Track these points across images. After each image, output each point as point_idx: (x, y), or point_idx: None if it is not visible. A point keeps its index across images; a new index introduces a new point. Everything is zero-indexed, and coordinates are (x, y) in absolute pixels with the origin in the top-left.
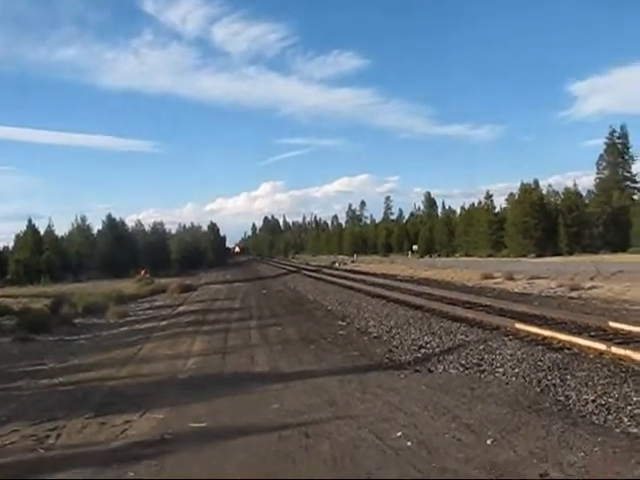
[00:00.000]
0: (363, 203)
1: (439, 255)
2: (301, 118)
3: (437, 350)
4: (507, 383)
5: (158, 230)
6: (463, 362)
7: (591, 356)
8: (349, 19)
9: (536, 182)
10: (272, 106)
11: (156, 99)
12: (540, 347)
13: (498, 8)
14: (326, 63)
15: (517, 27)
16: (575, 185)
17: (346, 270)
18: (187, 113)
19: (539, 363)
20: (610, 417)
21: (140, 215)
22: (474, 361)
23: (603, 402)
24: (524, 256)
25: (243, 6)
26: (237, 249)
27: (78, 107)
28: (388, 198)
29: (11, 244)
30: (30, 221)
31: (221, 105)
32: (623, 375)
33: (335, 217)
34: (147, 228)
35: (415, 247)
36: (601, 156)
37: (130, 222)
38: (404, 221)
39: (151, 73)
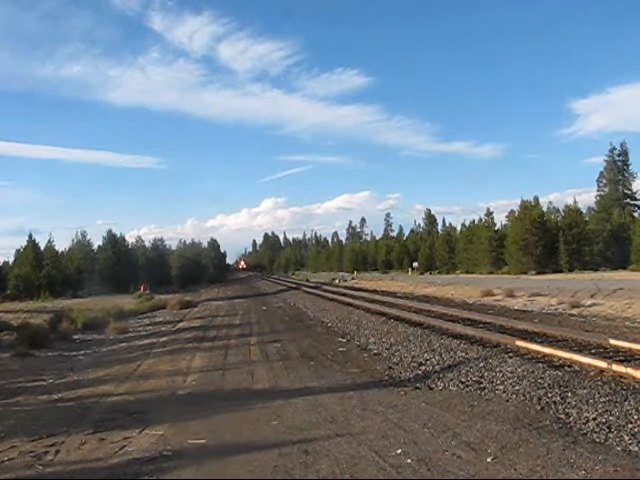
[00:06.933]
0: (363, 220)
1: (439, 272)
2: (303, 135)
3: (437, 367)
4: (507, 400)
5: (158, 246)
6: (463, 379)
7: (592, 374)
8: (354, 37)
9: (536, 199)
10: (275, 123)
11: (160, 115)
12: (541, 365)
13: (502, 28)
14: (330, 81)
15: (520, 46)
16: (575, 202)
17: (346, 287)
18: (191, 129)
19: (539, 381)
20: (611, 435)
21: (140, 231)
22: (474, 378)
23: (604, 420)
24: (524, 273)
25: (249, 24)
26: (242, 264)
27: (81, 123)
28: (388, 215)
29: (11, 259)
30: (30, 236)
31: (225, 122)
32: (624, 393)
33: (335, 234)
34: (147, 244)
35: (415, 264)
36: (601, 173)
37: (130, 238)
38: (404, 238)
39: (157, 90)
